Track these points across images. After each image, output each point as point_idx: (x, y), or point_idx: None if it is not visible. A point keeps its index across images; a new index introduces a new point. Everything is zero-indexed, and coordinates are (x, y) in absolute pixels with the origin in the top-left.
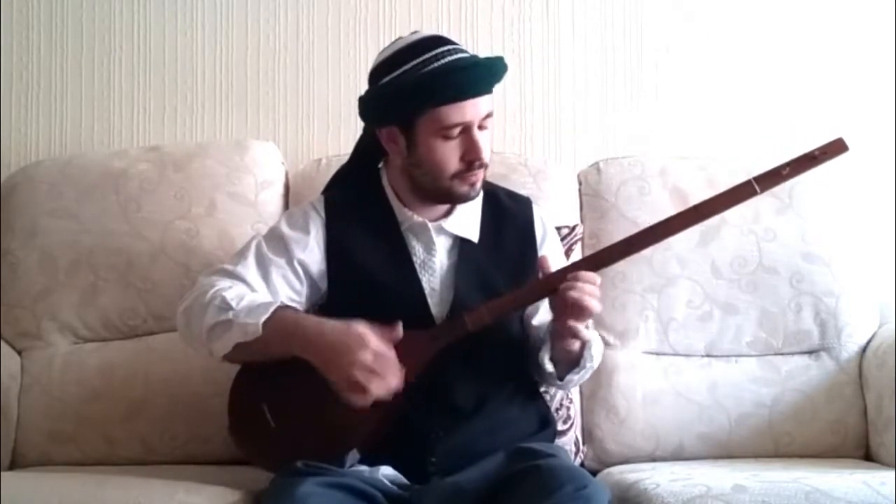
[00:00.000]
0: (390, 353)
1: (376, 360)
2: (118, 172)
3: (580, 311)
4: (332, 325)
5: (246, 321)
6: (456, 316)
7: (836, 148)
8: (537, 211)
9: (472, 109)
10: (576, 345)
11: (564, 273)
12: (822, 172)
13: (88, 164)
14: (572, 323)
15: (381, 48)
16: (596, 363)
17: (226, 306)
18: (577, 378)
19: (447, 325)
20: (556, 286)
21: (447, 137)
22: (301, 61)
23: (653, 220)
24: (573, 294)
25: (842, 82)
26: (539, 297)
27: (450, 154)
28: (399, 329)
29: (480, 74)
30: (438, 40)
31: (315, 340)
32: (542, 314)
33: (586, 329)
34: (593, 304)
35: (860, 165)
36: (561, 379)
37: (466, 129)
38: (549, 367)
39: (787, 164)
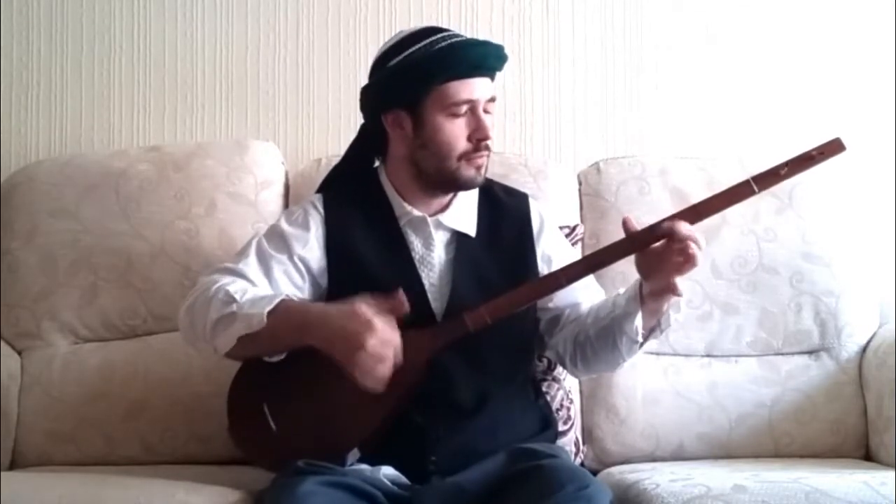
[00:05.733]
0: (396, 338)
1: (383, 346)
2: (118, 172)
3: (687, 262)
4: (336, 310)
5: (250, 312)
6: (456, 316)
7: (833, 148)
8: (534, 205)
9: (479, 88)
10: (666, 304)
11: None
12: (822, 173)
13: (88, 164)
14: (676, 278)
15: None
16: (673, 320)
17: (229, 299)
18: (655, 340)
19: (447, 324)
20: (634, 249)
21: (455, 115)
22: (301, 61)
23: (653, 220)
24: (678, 246)
25: (842, 83)
26: (546, 293)
27: (457, 133)
28: (401, 296)
29: (489, 52)
30: (443, 28)
31: (321, 327)
32: (561, 295)
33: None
34: (699, 254)
35: (860, 166)
36: (642, 345)
37: (473, 109)
38: (640, 336)
39: (785, 164)
